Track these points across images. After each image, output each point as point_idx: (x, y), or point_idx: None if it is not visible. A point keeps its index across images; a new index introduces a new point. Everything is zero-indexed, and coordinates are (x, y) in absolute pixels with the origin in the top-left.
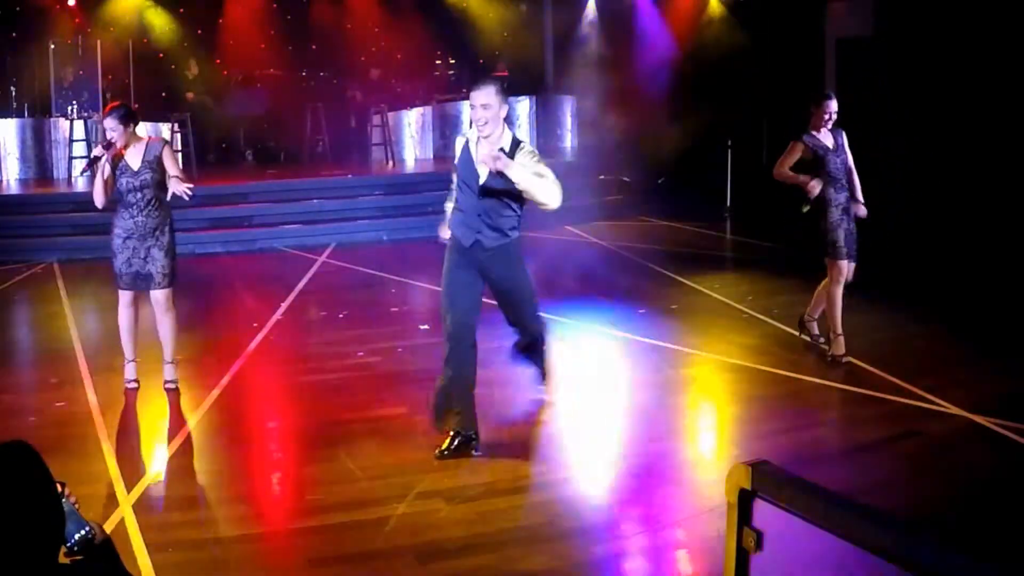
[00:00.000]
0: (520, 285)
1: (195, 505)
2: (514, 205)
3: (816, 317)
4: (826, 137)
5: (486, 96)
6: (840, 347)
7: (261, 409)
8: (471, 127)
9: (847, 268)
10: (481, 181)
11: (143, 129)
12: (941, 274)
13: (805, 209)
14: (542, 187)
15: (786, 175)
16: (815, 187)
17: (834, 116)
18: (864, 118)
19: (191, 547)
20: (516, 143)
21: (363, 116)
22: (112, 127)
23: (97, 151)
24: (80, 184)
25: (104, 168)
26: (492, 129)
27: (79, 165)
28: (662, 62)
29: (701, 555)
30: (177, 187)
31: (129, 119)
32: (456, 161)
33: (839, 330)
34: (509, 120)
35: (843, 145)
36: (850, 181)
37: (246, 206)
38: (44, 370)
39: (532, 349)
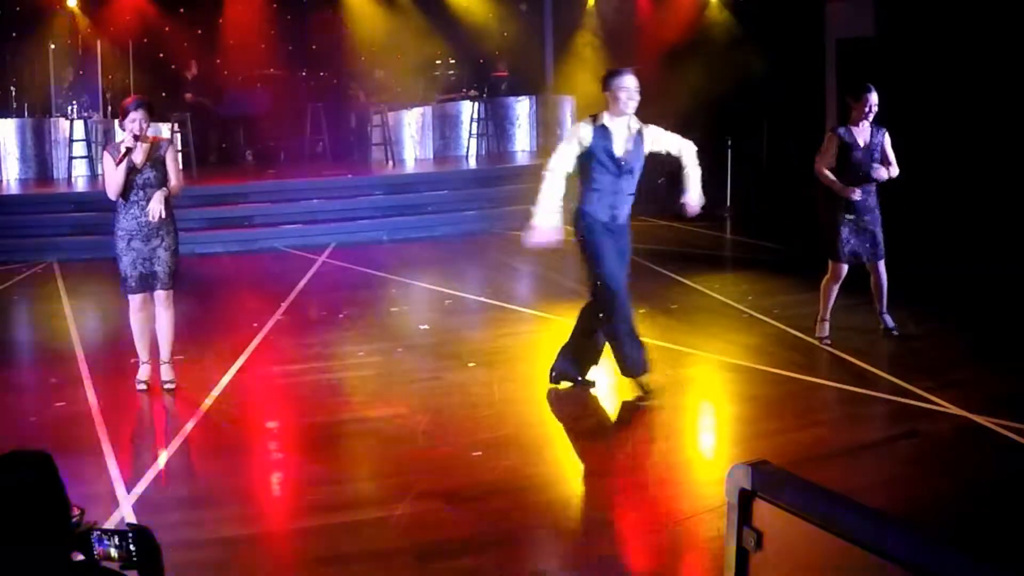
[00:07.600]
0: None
1: (195, 505)
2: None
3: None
4: (861, 133)
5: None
6: (824, 330)
7: (261, 409)
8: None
9: (844, 270)
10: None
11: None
12: (940, 273)
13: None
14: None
15: (825, 177)
16: (852, 193)
17: (874, 108)
18: None
19: (191, 547)
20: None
21: (363, 116)
22: (142, 117)
23: (129, 142)
24: (80, 184)
25: (128, 160)
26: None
27: (79, 165)
28: (662, 62)
29: (701, 555)
30: (156, 203)
31: (152, 110)
32: (591, 145)
33: (826, 316)
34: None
35: (880, 144)
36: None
37: (246, 206)
38: (44, 370)
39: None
